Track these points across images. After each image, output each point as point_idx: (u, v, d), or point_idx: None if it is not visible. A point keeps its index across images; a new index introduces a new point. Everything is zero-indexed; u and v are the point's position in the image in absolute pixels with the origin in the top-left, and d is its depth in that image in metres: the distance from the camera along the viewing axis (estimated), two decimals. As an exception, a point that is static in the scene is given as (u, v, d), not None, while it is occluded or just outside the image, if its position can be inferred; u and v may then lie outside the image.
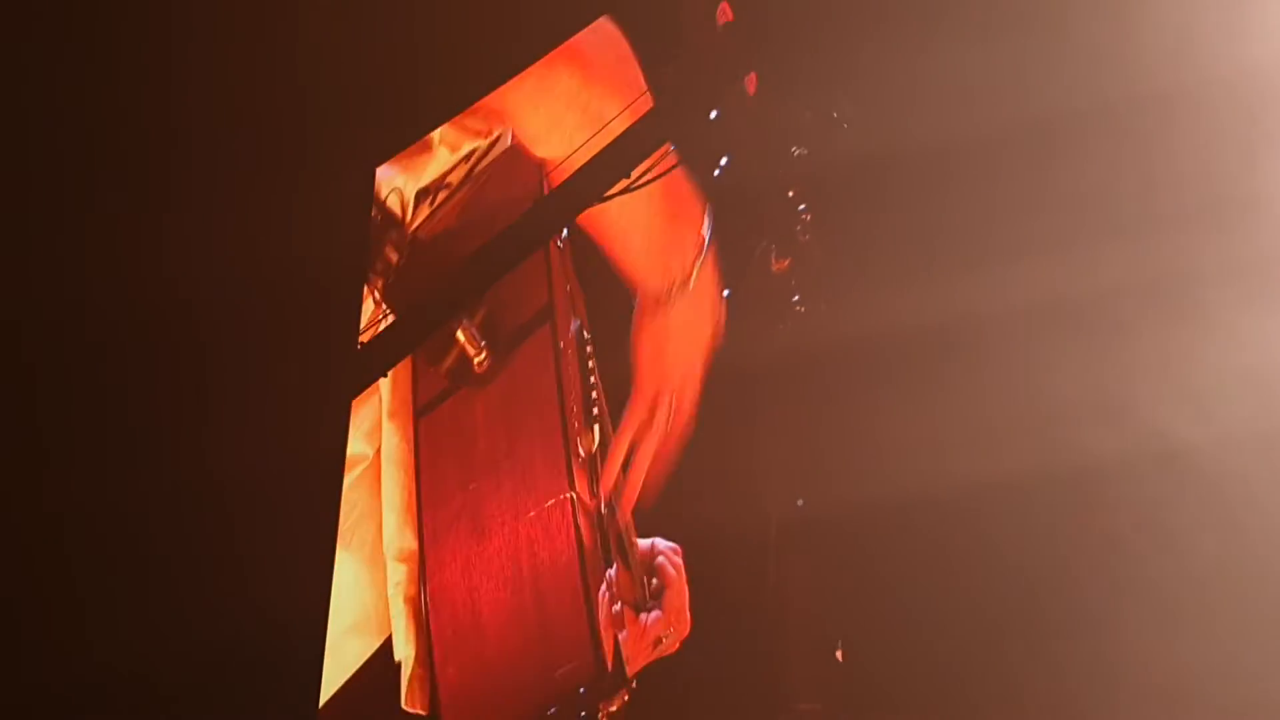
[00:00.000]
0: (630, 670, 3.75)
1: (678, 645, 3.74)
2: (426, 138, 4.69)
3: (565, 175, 4.44)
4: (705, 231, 4.12)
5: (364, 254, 4.69)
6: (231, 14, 5.05)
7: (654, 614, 3.79)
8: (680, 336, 4.07)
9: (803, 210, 4.12)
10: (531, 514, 4.01)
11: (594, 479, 4.01)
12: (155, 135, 4.93)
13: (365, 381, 4.36)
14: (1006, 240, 3.91)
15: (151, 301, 4.67)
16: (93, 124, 4.89)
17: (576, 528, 3.94)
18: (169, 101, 4.98)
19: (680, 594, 3.78)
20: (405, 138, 5.07)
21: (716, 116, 4.22)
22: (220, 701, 4.09)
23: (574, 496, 3.98)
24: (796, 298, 4.02)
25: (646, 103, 4.37)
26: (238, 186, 4.87)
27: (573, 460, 4.03)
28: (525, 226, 4.39)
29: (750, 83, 4.22)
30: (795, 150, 4.25)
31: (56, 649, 4.33)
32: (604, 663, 3.77)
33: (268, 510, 4.33)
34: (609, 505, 3.98)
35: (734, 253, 4.14)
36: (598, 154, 4.29)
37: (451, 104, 5.00)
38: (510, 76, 4.76)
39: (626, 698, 3.75)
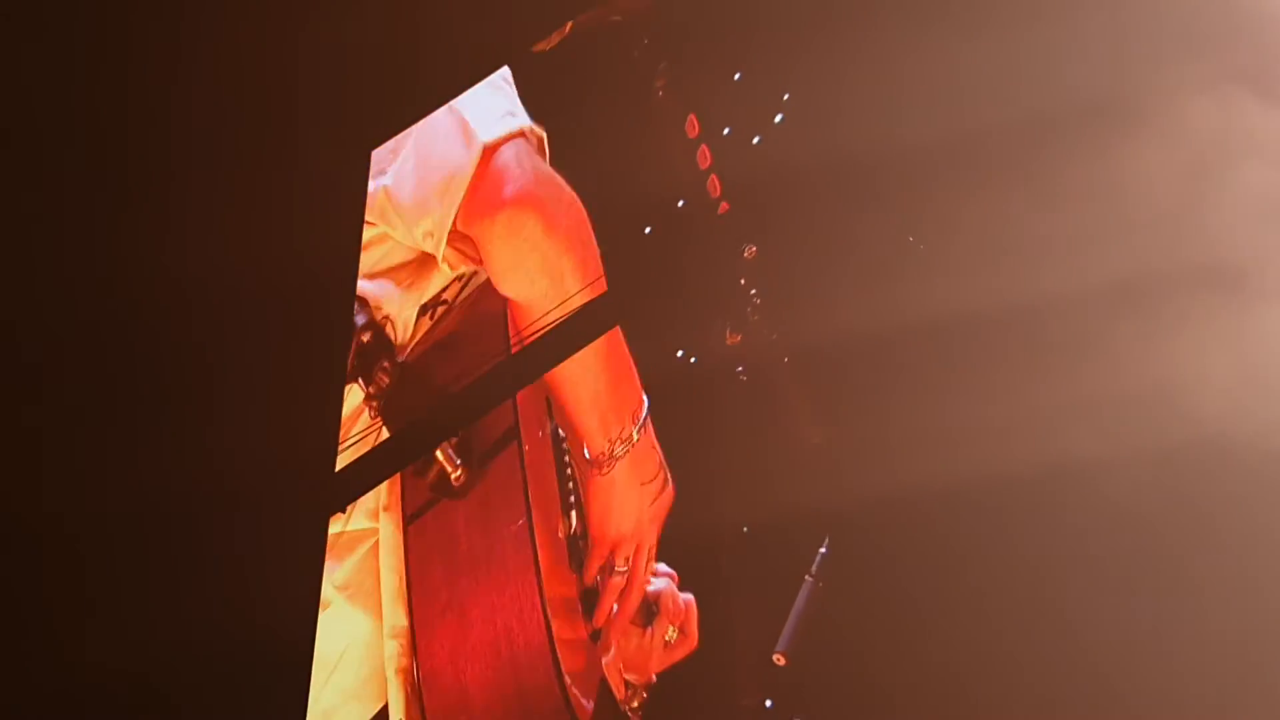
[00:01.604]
0: (643, 678, 4.23)
1: (695, 640, 4.18)
2: (431, 258, 5.15)
3: (526, 316, 4.94)
4: (645, 397, 4.56)
5: (357, 237, 5.24)
6: (225, 3, 5.27)
7: (655, 621, 4.26)
8: (626, 495, 4.49)
9: (754, 294, 4.55)
10: (505, 604, 4.50)
11: (574, 554, 4.50)
12: (148, 122, 5.11)
13: (346, 499, 4.87)
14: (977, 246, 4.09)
15: (144, 292, 4.79)
16: (84, 116, 5.01)
17: (544, 613, 4.41)
18: (163, 90, 5.13)
19: (673, 596, 4.25)
20: (399, 122, 5.53)
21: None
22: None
23: (540, 586, 4.45)
24: (741, 368, 4.45)
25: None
26: (231, 171, 5.10)
27: (540, 551, 4.51)
28: (494, 381, 4.92)
29: (750, 251, 4.64)
30: (745, 249, 4.61)
31: (50, 649, 4.34)
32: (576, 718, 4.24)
33: (262, 509, 4.54)
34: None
35: (695, 328, 4.62)
36: (560, 323, 4.81)
37: (444, 89, 5.45)
38: (500, 66, 5.39)
39: (646, 695, 4.23)
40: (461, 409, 4.91)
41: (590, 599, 4.39)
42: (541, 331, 4.80)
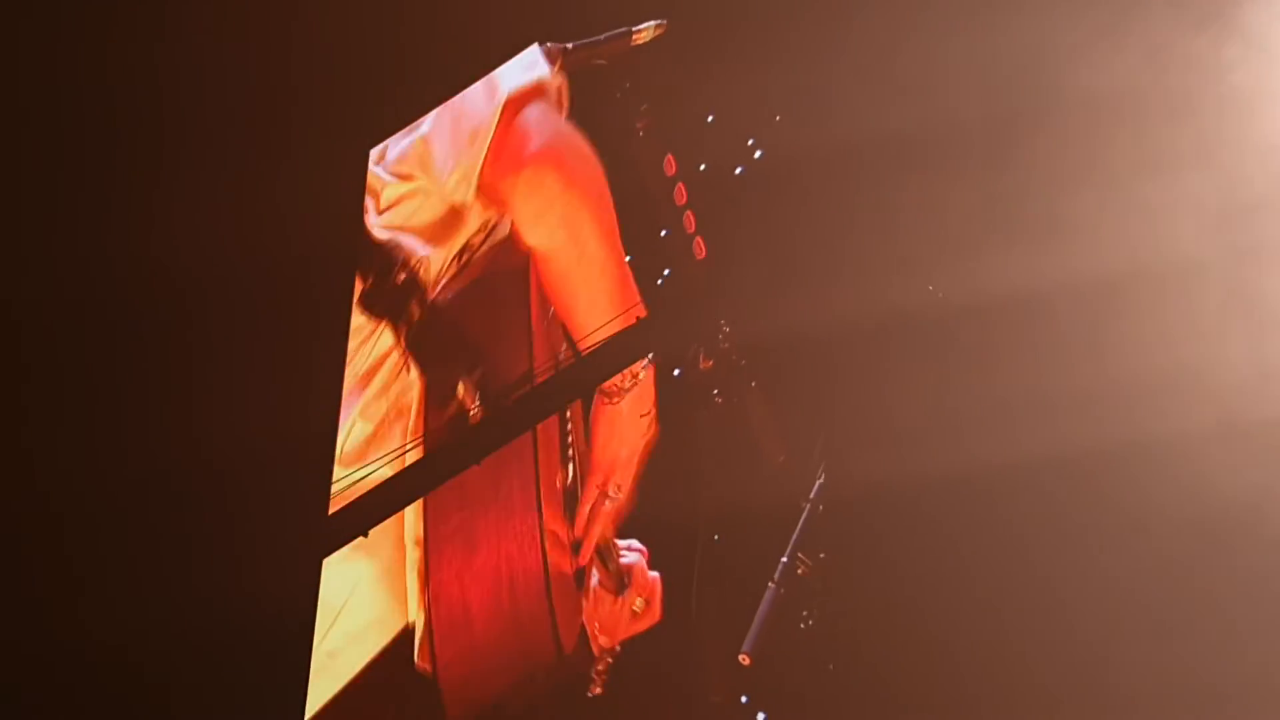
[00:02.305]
0: (611, 641, 4.90)
1: (659, 613, 4.82)
2: (458, 214, 5.90)
3: (547, 267, 5.71)
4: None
5: (357, 230, 5.88)
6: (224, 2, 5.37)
7: (626, 591, 4.95)
8: (628, 426, 5.23)
9: (723, 323, 5.31)
10: (510, 534, 5.30)
11: (569, 504, 5.25)
12: (147, 118, 5.20)
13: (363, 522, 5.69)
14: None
15: (145, 287, 4.92)
16: (86, 113, 5.10)
17: (542, 546, 5.20)
18: (162, 87, 5.29)
19: (643, 570, 4.94)
20: (397, 121, 6.11)
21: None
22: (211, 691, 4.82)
23: (541, 522, 5.24)
24: (716, 391, 5.21)
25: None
26: (231, 167, 5.28)
27: (542, 494, 5.28)
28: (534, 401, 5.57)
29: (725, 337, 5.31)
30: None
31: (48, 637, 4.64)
32: (562, 648, 5.01)
33: (258, 500, 5.03)
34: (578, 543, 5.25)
35: (673, 352, 5.35)
36: (590, 352, 5.50)
37: (442, 88, 5.99)
38: (498, 65, 5.97)
39: (611, 660, 4.90)
40: (484, 351, 5.63)
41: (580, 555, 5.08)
42: (570, 360, 5.47)
